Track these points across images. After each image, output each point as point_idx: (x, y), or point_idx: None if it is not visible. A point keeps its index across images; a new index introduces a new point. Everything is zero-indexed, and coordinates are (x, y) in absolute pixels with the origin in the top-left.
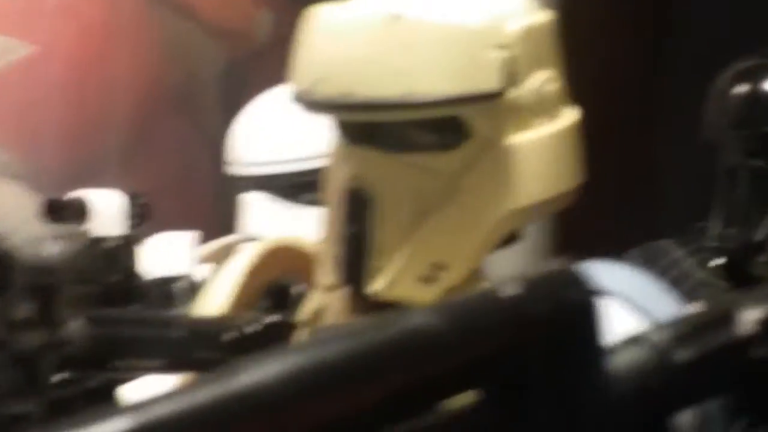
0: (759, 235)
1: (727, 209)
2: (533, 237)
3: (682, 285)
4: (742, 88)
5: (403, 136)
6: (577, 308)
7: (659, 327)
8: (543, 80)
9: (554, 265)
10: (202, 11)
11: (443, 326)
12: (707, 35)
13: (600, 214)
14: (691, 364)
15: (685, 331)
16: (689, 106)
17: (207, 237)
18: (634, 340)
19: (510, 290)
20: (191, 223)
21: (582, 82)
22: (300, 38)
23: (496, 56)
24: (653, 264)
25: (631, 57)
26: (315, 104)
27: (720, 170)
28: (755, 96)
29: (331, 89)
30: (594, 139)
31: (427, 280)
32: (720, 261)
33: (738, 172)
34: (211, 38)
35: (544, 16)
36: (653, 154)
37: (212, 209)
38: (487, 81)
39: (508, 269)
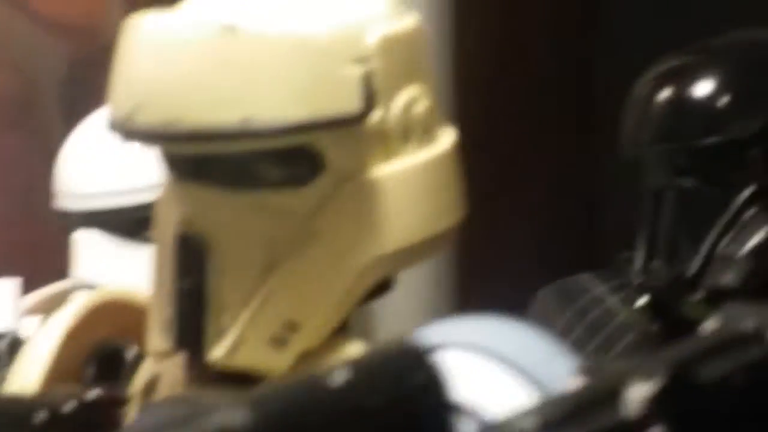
0: (691, 269)
1: (652, 238)
2: (429, 276)
3: (603, 328)
4: (665, 94)
5: (244, 170)
6: (421, 397)
7: (525, 413)
8: (411, 99)
9: (396, 342)
10: (37, 3)
11: (255, 426)
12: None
13: (515, 243)
14: None
15: (559, 415)
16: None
17: (51, 279)
18: (494, 429)
19: (340, 377)
20: (30, 263)
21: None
22: (118, 54)
23: (353, 72)
24: (570, 303)
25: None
26: (135, 134)
27: (643, 192)
28: (681, 103)
29: (154, 116)
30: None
31: (279, 342)
32: (645, 299)
33: (664, 194)
34: (49, 36)
35: (409, 22)
36: (586, 170)
37: (58, 244)
38: (342, 102)
39: (396, 317)
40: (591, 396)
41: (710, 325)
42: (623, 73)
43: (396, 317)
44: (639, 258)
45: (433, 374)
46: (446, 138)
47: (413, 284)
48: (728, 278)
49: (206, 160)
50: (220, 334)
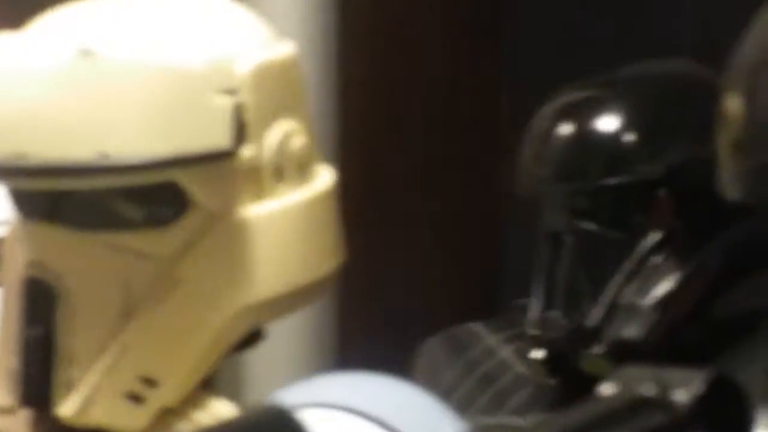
0: (591, 320)
1: (549, 285)
2: (305, 325)
3: (496, 381)
4: (566, 129)
5: (99, 209)
6: None
7: None
8: (285, 134)
9: (264, 406)
10: None
11: None
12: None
13: (399, 288)
14: None
15: None
16: None
17: None
18: None
19: None
20: None
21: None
22: None
23: (221, 104)
24: (460, 354)
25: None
26: None
27: (541, 234)
28: (583, 139)
29: (0, 148)
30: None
31: (135, 399)
32: (542, 354)
33: (563, 238)
34: None
35: (285, 51)
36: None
37: None
38: (210, 137)
39: (267, 369)
40: None
41: (607, 388)
42: (529, 107)
43: (267, 369)
44: (535, 306)
45: None
46: (324, 177)
47: (286, 334)
48: (631, 330)
49: (57, 197)
50: (69, 387)
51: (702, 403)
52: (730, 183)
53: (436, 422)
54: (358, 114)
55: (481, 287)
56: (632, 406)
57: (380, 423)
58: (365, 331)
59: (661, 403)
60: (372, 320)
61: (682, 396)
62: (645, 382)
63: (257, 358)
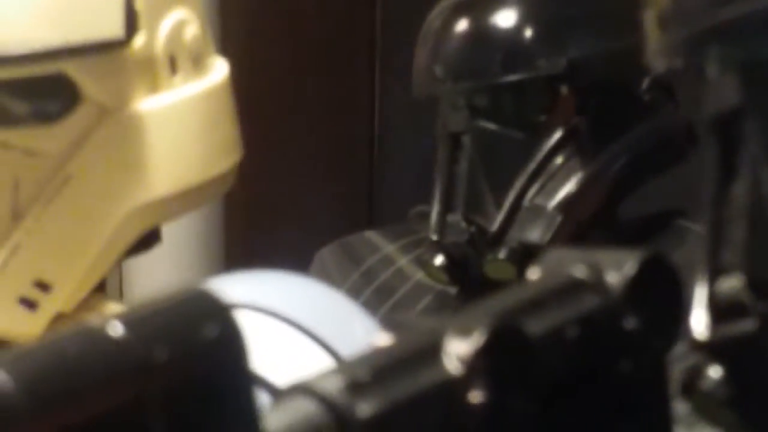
0: (493, 224)
1: (449, 189)
2: (197, 236)
3: (395, 292)
4: (461, 26)
5: None
6: (218, 350)
7: (330, 373)
8: (178, 23)
9: (185, 288)
10: None
11: (16, 384)
12: None
13: (289, 197)
14: (380, 422)
15: (368, 375)
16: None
17: None
18: (296, 392)
19: (120, 326)
20: None
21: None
22: None
23: None
24: (356, 263)
25: None
26: None
27: (438, 136)
28: (479, 35)
29: None
30: (282, 91)
31: (28, 304)
32: (442, 259)
33: (461, 139)
34: None
35: None
36: (372, 112)
37: None
38: (101, 25)
39: (155, 281)
40: (404, 353)
41: (535, 272)
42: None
43: (153, 275)
44: (435, 212)
45: (231, 327)
46: (219, 70)
47: (175, 237)
48: (535, 233)
49: None
50: None
51: (635, 284)
52: (656, 56)
53: (347, 319)
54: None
55: (374, 193)
56: (564, 289)
57: (290, 322)
58: (262, 239)
59: (593, 285)
60: (270, 229)
61: (615, 277)
62: (575, 265)
63: (137, 264)
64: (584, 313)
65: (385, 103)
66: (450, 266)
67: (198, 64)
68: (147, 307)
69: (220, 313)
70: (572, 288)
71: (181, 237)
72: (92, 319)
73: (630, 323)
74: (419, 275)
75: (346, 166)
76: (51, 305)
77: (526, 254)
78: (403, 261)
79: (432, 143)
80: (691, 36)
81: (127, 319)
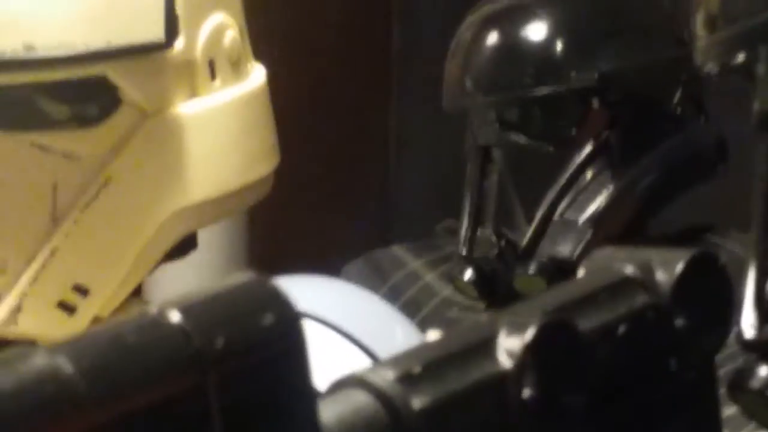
0: (523, 238)
1: (478, 203)
2: (220, 245)
3: (422, 307)
4: (492, 39)
5: (25, 106)
6: (278, 339)
7: (381, 365)
8: (217, 27)
9: (243, 278)
10: None
11: (76, 371)
12: None
13: (313, 210)
14: (432, 414)
15: (419, 368)
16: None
17: None
18: (348, 383)
19: (179, 314)
20: None
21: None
22: None
23: None
24: (382, 279)
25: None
26: None
27: (468, 150)
28: (510, 48)
29: None
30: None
31: (67, 308)
32: (471, 274)
33: (492, 152)
34: None
35: None
36: (388, 126)
37: None
38: (142, 28)
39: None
40: (456, 347)
41: (581, 271)
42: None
43: (174, 285)
44: (464, 226)
45: (289, 315)
46: (257, 75)
47: (205, 242)
48: (565, 248)
49: None
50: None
51: (685, 282)
52: (705, 56)
53: (388, 324)
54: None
55: (393, 211)
56: (614, 287)
57: (331, 325)
58: (286, 252)
59: (643, 283)
60: (294, 242)
61: (664, 276)
62: (624, 263)
63: (168, 270)
64: (634, 310)
65: (403, 117)
66: (479, 281)
67: (237, 68)
68: (205, 295)
69: (278, 302)
70: (622, 285)
71: (204, 245)
72: (151, 307)
73: (679, 322)
74: (446, 291)
75: (363, 180)
76: (89, 309)
77: (556, 269)
78: (429, 277)
79: (449, 157)
80: (740, 34)
81: (184, 306)
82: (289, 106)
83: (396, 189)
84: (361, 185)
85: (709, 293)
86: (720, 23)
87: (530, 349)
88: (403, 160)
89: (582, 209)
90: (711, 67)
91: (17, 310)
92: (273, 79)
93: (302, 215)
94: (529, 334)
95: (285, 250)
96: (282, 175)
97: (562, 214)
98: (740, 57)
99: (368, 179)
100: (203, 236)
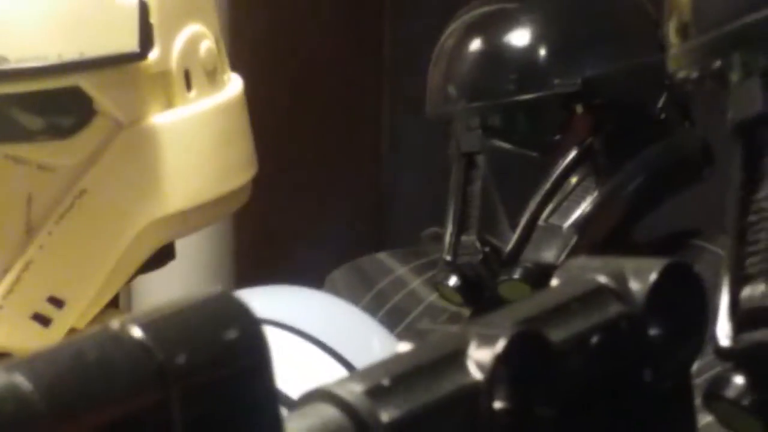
0: (507, 244)
1: (462, 209)
2: (206, 252)
3: (408, 314)
4: (475, 45)
5: None
6: (242, 354)
7: (350, 378)
8: (192, 37)
9: (208, 292)
10: None
11: (35, 389)
12: None
13: (303, 216)
14: (401, 427)
15: (389, 380)
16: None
17: None
18: (315, 397)
19: (140, 330)
20: None
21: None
22: None
23: (128, 5)
24: (368, 286)
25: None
26: None
27: (452, 157)
28: (491, 54)
29: None
30: (290, 109)
31: (42, 321)
32: (456, 280)
33: (475, 159)
34: None
35: None
36: (381, 131)
37: None
38: (116, 39)
39: (163, 298)
40: (426, 359)
41: (555, 281)
42: (416, 22)
43: (160, 292)
44: (448, 232)
45: (253, 329)
46: (233, 85)
47: (184, 253)
48: (550, 253)
49: None
50: None
51: (659, 291)
52: (678, 65)
53: (365, 334)
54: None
55: (384, 216)
56: (587, 296)
57: (307, 336)
58: (271, 256)
59: (616, 292)
60: (280, 248)
61: (638, 285)
62: (597, 272)
63: (147, 279)
64: (607, 320)
65: (394, 121)
66: (464, 287)
67: (213, 78)
68: (166, 310)
69: (242, 316)
70: (595, 295)
71: (191, 253)
72: (111, 322)
73: (653, 331)
74: (432, 297)
75: (354, 185)
76: (64, 321)
77: (541, 274)
78: (416, 283)
79: (441, 162)
80: (713, 42)
81: (146, 322)
82: (279, 111)
83: (388, 195)
84: (353, 191)
85: (684, 302)
86: (693, 31)
87: (501, 360)
88: (394, 166)
89: (566, 215)
90: (684, 75)
91: None
92: (263, 84)
93: (292, 221)
94: (500, 345)
95: (274, 256)
96: (272, 180)
97: (546, 220)
98: (714, 64)
99: (360, 185)
100: (187, 243)
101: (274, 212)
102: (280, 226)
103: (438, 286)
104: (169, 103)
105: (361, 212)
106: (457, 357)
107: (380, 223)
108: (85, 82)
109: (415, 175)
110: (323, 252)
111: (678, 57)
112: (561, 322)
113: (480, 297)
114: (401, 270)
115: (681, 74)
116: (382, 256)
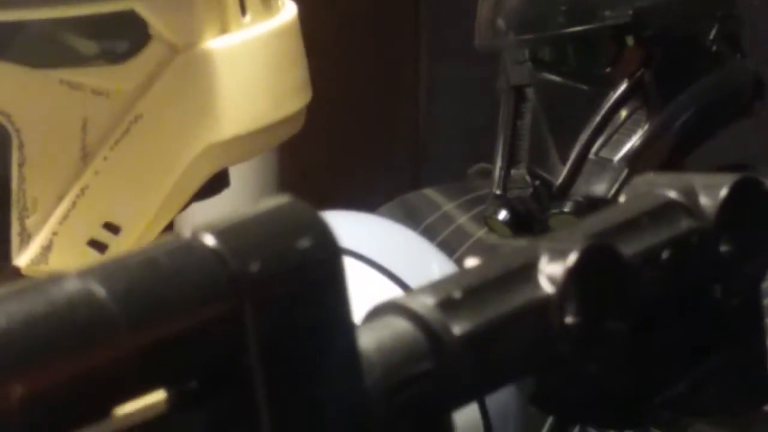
0: (558, 177)
1: (512, 143)
2: (251, 183)
3: (457, 249)
4: None
5: (53, 43)
6: (316, 264)
7: (421, 291)
8: None
9: (279, 201)
10: None
11: (110, 295)
12: None
13: (344, 150)
14: (473, 340)
15: (460, 294)
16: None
17: None
18: (386, 309)
19: (213, 238)
20: None
21: None
22: None
23: None
24: (415, 221)
25: None
26: None
27: (501, 90)
28: None
29: None
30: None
31: (98, 246)
32: (506, 214)
33: (525, 92)
34: None
35: None
36: (415, 68)
37: None
38: None
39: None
40: (497, 273)
41: (624, 197)
42: None
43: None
44: (497, 166)
45: (325, 237)
46: (287, 10)
47: (237, 180)
48: (601, 187)
49: (7, 31)
50: (28, 235)
51: (729, 207)
52: None
53: (424, 258)
54: None
55: (425, 153)
56: (658, 211)
57: (366, 260)
58: (319, 192)
59: (687, 207)
60: (327, 182)
61: (708, 200)
62: (666, 188)
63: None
64: (678, 235)
65: (434, 62)
66: (514, 220)
67: (267, 4)
68: (240, 218)
69: (316, 225)
70: (665, 210)
71: (236, 184)
72: (184, 230)
73: (724, 248)
74: (480, 232)
75: (395, 124)
76: (120, 247)
77: (592, 208)
78: (463, 219)
79: (480, 104)
80: None
81: (219, 230)
82: (319, 50)
83: (427, 134)
84: (393, 130)
85: (754, 219)
86: None
87: (572, 274)
88: (433, 106)
89: (617, 148)
90: None
91: (48, 248)
92: (303, 23)
93: (334, 159)
94: (571, 259)
95: (316, 192)
96: (314, 119)
97: (597, 153)
98: None
99: (399, 124)
100: (235, 174)
101: (316, 149)
102: (323, 163)
103: (487, 219)
104: (223, 28)
105: (402, 150)
106: (528, 271)
107: (420, 162)
108: (140, 6)
109: (455, 116)
110: (365, 189)
111: None
112: (632, 237)
113: (530, 231)
114: (448, 206)
115: None
116: (429, 191)
